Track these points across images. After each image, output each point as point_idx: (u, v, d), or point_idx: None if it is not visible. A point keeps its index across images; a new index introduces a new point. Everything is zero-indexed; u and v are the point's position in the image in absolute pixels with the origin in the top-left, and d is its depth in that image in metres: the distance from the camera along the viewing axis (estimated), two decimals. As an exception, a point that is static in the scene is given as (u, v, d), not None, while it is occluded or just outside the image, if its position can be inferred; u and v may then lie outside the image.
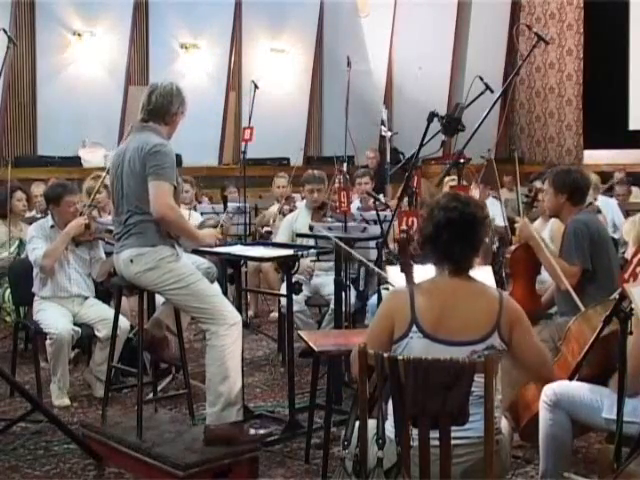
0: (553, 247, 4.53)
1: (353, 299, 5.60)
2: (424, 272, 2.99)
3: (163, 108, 4.02)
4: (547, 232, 5.04)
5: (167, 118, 4.04)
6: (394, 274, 3.46)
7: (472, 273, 2.94)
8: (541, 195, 4.88)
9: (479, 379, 2.61)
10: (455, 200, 2.89)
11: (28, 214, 6.82)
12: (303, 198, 8.28)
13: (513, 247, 4.62)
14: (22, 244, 6.11)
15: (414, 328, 2.79)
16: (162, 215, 3.83)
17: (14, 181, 7.63)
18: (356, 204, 7.42)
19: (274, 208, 8.07)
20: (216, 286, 4.35)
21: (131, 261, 3.93)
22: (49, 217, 5.37)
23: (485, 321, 2.82)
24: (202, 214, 7.26)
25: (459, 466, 2.73)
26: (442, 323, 2.80)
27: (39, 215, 6.72)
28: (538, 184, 5.13)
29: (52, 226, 5.31)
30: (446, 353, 2.69)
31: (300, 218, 6.32)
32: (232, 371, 3.88)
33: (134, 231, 3.93)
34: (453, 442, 2.65)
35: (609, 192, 8.75)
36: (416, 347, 2.76)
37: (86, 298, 5.35)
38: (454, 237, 2.83)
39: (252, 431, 4.10)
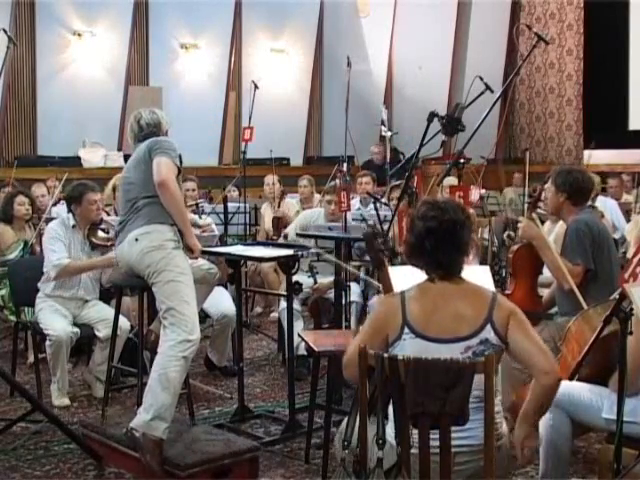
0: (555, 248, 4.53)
1: (355, 297, 5.62)
2: (411, 273, 3.02)
3: (156, 127, 4.20)
4: (553, 235, 5.04)
5: (159, 135, 4.18)
6: (395, 275, 3.45)
7: (467, 273, 2.94)
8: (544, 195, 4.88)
9: (480, 384, 2.61)
10: (433, 209, 2.89)
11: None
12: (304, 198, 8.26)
13: (515, 247, 4.62)
14: (26, 246, 6.14)
15: (406, 330, 2.80)
16: (162, 181, 3.87)
17: (14, 185, 7.67)
18: (355, 204, 7.41)
19: (266, 211, 8.11)
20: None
21: (136, 240, 3.94)
22: (70, 216, 5.35)
23: (475, 315, 2.81)
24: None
25: (461, 473, 2.73)
26: (432, 322, 2.80)
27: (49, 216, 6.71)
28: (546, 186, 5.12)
29: (73, 226, 5.31)
30: (440, 351, 2.69)
31: (319, 222, 6.27)
32: (172, 385, 3.79)
33: (142, 212, 3.98)
34: (455, 450, 2.65)
35: (604, 191, 8.70)
36: (409, 348, 2.76)
37: (87, 301, 5.35)
38: (436, 245, 2.85)
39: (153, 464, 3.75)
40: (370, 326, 2.92)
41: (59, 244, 5.19)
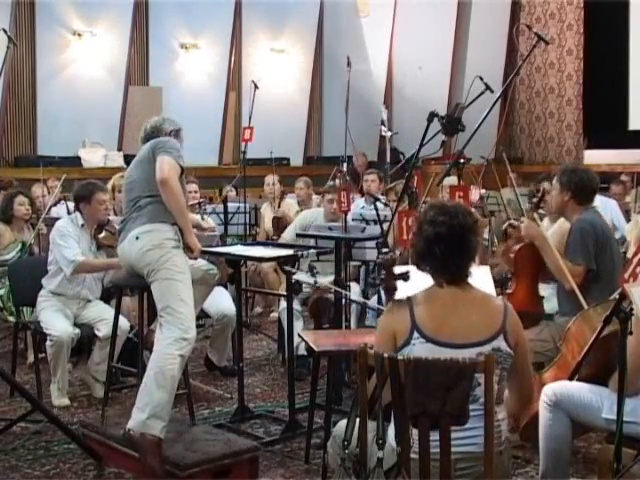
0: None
1: (355, 297, 5.62)
2: (423, 279, 2.97)
3: (157, 128, 4.27)
4: (550, 232, 5.04)
5: (160, 136, 4.22)
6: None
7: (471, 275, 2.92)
8: (548, 196, 4.88)
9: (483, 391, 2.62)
10: (442, 213, 2.85)
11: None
12: (317, 201, 8.23)
13: (517, 246, 4.61)
14: (24, 247, 6.13)
15: (415, 334, 2.77)
16: (164, 179, 3.90)
17: (14, 184, 7.67)
18: (360, 203, 7.41)
19: (266, 211, 8.12)
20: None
21: (137, 238, 3.97)
22: (78, 215, 5.35)
23: (490, 323, 2.81)
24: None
25: (462, 479, 2.73)
26: (444, 327, 2.78)
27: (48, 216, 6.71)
28: (546, 185, 5.12)
29: (82, 225, 5.31)
30: (451, 356, 2.64)
31: (318, 222, 6.27)
32: (169, 383, 3.80)
33: (143, 211, 4.01)
34: (457, 456, 2.65)
35: (606, 192, 8.69)
36: (419, 353, 2.71)
37: (89, 301, 5.36)
38: (446, 251, 2.82)
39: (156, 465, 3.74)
40: (380, 333, 2.89)
41: (71, 241, 5.19)
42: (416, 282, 2.97)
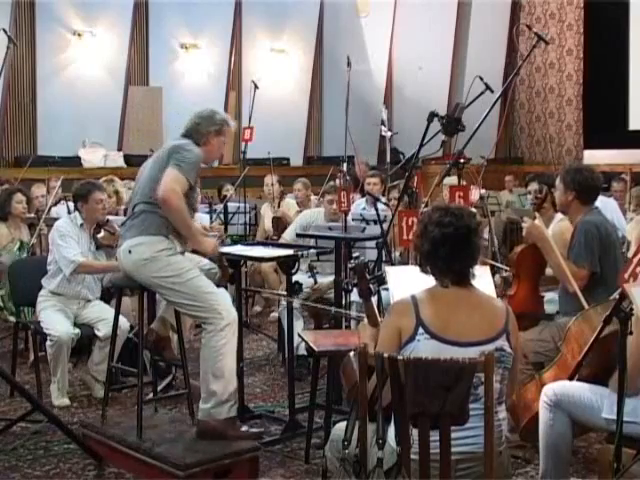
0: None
1: (355, 297, 5.61)
2: (416, 277, 3.00)
3: (192, 128, 4.07)
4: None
5: (197, 137, 4.04)
6: (393, 276, 3.45)
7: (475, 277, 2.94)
8: (550, 197, 4.87)
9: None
10: (448, 214, 2.87)
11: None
12: (317, 200, 8.22)
13: (519, 248, 4.61)
14: (23, 246, 6.13)
15: (420, 330, 2.77)
16: (165, 197, 3.80)
17: (14, 183, 7.67)
18: (361, 204, 7.41)
19: (266, 211, 8.12)
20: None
21: (129, 252, 3.94)
22: (77, 215, 5.36)
23: (493, 323, 2.83)
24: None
25: (463, 479, 2.73)
26: (448, 325, 2.79)
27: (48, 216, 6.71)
28: (535, 185, 5.11)
29: (81, 225, 5.31)
30: (456, 354, 2.65)
31: (319, 222, 6.26)
32: (225, 371, 3.87)
33: (136, 221, 3.96)
34: (458, 457, 2.66)
35: (607, 190, 8.67)
36: (424, 349, 2.72)
37: (89, 300, 5.36)
38: (452, 253, 2.84)
39: (244, 428, 4.13)
40: (386, 333, 2.87)
41: (71, 241, 5.20)
42: (418, 282, 2.98)
